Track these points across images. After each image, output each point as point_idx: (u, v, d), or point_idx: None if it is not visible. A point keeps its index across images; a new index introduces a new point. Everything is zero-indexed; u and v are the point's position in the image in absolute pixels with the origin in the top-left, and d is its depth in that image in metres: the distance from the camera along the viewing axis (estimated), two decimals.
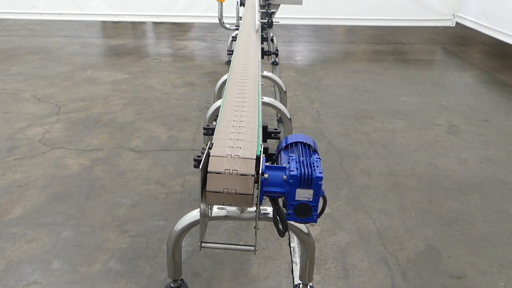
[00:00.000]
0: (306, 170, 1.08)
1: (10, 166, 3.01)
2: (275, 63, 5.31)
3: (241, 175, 1.04)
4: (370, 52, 6.36)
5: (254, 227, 1.21)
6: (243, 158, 1.07)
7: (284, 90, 3.59)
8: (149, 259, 2.18)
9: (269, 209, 1.66)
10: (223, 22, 3.76)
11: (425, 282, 2.12)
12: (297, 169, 1.08)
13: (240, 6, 4.66)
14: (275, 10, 3.09)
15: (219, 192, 1.05)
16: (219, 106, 3.08)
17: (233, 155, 1.07)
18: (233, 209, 1.86)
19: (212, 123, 3.17)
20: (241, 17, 3.59)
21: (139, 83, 4.73)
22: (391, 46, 6.74)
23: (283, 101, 3.59)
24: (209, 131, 1.62)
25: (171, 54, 6.00)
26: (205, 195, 1.06)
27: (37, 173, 2.92)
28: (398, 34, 7.42)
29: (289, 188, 1.08)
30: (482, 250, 2.37)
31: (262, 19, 2.87)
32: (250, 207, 1.08)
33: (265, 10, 2.97)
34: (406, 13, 6.40)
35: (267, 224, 2.46)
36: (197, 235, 2.34)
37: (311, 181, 1.07)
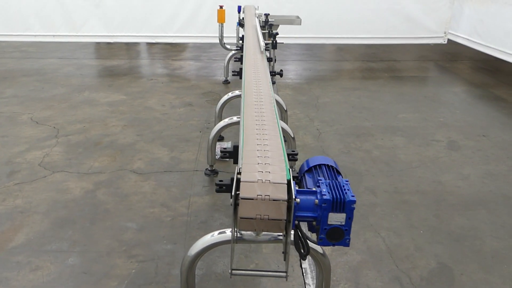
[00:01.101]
0: (338, 194, 1.07)
1: (11, 191, 2.95)
2: (272, 82, 5.34)
3: (274, 200, 1.02)
4: (364, 70, 6.44)
5: (283, 252, 1.18)
6: (274, 183, 1.05)
7: (285, 109, 3.60)
8: (160, 285, 2.13)
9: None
10: (224, 43, 3.77)
11: None
12: (329, 192, 1.07)
13: (239, 27, 4.71)
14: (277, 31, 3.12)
15: (252, 219, 1.03)
16: (223, 127, 3.07)
17: (263, 180, 1.06)
18: (248, 232, 1.84)
19: (215, 144, 3.16)
20: (241, 38, 3.62)
21: (137, 104, 4.71)
22: (384, 64, 6.83)
23: (285, 120, 3.60)
24: (226, 154, 1.60)
25: (167, 74, 6.00)
26: (237, 221, 1.04)
27: (39, 198, 2.86)
28: (390, 52, 7.54)
29: (321, 212, 1.06)
30: (494, 267, 2.36)
31: (264, 39, 2.90)
32: (281, 232, 1.06)
33: (267, 31, 3.00)
34: (398, 31, 6.51)
35: (275, 246, 2.44)
36: (206, 258, 2.30)
37: (344, 205, 1.05)
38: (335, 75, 6.23)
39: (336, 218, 1.06)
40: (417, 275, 2.29)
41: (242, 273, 1.33)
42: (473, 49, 6.07)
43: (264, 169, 1.12)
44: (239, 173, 1.09)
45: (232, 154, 1.59)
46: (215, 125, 3.77)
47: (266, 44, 2.69)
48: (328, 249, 2.43)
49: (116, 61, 6.64)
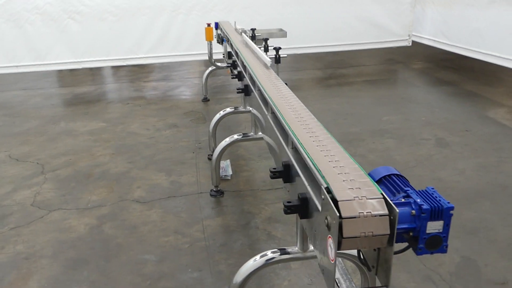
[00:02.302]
0: (434, 202, 1.05)
1: (8, 237, 2.74)
2: None
3: (377, 216, 0.99)
4: (338, 77, 6.57)
5: (369, 267, 1.14)
6: (371, 198, 1.03)
7: None
8: None
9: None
10: (214, 60, 3.71)
11: None
12: (425, 202, 1.05)
13: (218, 43, 4.68)
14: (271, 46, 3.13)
15: (356, 237, 1.00)
16: (225, 146, 3.00)
17: (360, 197, 1.03)
18: (295, 249, 1.80)
19: (219, 164, 3.09)
20: (228, 54, 3.59)
21: (119, 130, 4.55)
22: (355, 69, 7.01)
23: None
24: (276, 174, 1.56)
25: (142, 97, 5.85)
26: (341, 242, 1.00)
27: (42, 241, 2.67)
28: (357, 57, 7.74)
29: (420, 222, 1.05)
30: None
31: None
32: (384, 246, 1.04)
33: (262, 46, 2.99)
34: (365, 37, 6.71)
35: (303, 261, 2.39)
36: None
37: (443, 212, 1.04)
38: (311, 84, 6.32)
39: (434, 227, 1.05)
40: (445, 271, 2.32)
41: None
42: (438, 48, 6.35)
43: (353, 185, 1.09)
44: (329, 192, 1.05)
45: (283, 174, 1.54)
46: (210, 145, 3.72)
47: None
48: None
49: (85, 88, 6.40)
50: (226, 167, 3.49)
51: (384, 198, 1.04)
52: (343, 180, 1.12)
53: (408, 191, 1.12)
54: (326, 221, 1.06)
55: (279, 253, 1.79)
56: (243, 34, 3.56)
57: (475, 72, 6.43)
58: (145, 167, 3.66)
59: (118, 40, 5.95)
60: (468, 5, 5.58)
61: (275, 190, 3.22)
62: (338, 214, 0.99)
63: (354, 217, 1.00)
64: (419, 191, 1.13)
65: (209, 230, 2.73)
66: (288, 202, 1.32)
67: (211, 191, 3.19)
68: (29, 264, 2.46)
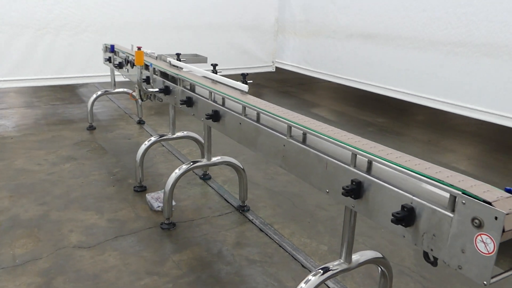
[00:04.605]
0: None
1: None
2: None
3: None
4: None
5: None
6: (507, 198, 1.23)
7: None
8: None
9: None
10: (144, 87, 3.36)
11: None
12: None
13: (120, 67, 4.35)
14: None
15: (510, 230, 1.18)
16: (178, 177, 2.86)
17: (497, 197, 1.22)
18: (342, 262, 1.89)
19: (171, 196, 2.92)
20: (141, 79, 3.39)
21: (3, 168, 3.77)
22: None
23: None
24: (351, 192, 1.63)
25: (11, 127, 4.94)
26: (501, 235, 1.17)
27: None
28: None
29: None
30: None
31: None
32: None
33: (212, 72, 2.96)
34: (235, 62, 7.09)
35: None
36: None
37: None
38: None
39: None
40: (411, 264, 2.69)
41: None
42: (301, 74, 7.14)
43: (482, 189, 1.27)
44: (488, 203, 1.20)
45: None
46: (136, 176, 3.43)
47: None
48: None
49: None
50: None
51: None
52: (472, 186, 1.30)
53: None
54: (476, 221, 1.22)
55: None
56: (168, 59, 3.45)
57: (328, 91, 7.47)
58: (65, 208, 3.15)
59: None
60: (328, 37, 6.49)
61: (226, 215, 3.18)
62: (502, 212, 1.16)
63: (509, 214, 1.18)
64: None
65: (184, 265, 2.55)
66: (397, 213, 1.42)
67: (162, 224, 2.96)
68: None
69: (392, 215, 1.43)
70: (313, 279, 1.82)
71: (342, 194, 1.63)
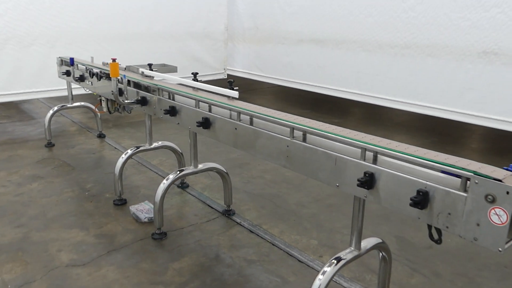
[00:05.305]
0: None
1: None
2: None
3: None
4: None
5: None
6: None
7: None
8: None
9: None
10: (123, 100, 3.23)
11: None
12: None
13: (81, 81, 4.23)
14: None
15: None
16: (166, 188, 2.89)
17: (505, 175, 1.43)
18: (352, 249, 2.03)
19: (162, 207, 2.93)
20: (117, 90, 3.33)
21: None
22: None
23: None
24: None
25: None
26: None
27: None
28: None
29: None
30: None
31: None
32: None
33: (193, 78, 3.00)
34: (189, 70, 7.04)
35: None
36: None
37: None
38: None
39: None
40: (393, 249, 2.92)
41: None
42: (253, 79, 7.30)
43: (488, 170, 1.48)
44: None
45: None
46: (115, 189, 3.37)
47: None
48: None
49: None
50: (150, 208, 3.26)
51: None
52: (479, 168, 1.50)
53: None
54: (490, 197, 1.42)
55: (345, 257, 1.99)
56: (141, 70, 3.44)
57: (291, 95, 7.70)
58: (46, 228, 3.03)
59: None
60: (279, 43, 6.72)
61: (213, 220, 3.23)
62: None
63: None
64: None
65: (186, 272, 2.57)
66: (415, 197, 1.59)
67: (153, 234, 2.95)
68: None
69: (411, 199, 1.60)
70: (329, 269, 1.94)
71: (358, 185, 1.78)
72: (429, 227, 1.73)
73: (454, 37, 4.61)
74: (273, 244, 2.90)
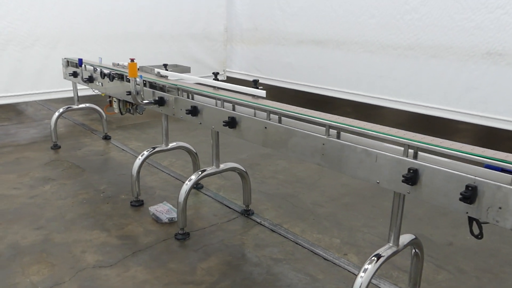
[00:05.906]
0: None
1: None
2: None
3: None
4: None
5: None
6: None
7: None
8: None
9: None
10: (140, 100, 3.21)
11: None
12: None
13: (90, 81, 4.19)
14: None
15: None
16: (190, 189, 2.90)
17: None
18: (391, 245, 2.06)
19: (185, 207, 2.93)
20: (135, 90, 3.33)
21: None
22: None
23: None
24: None
25: None
26: None
27: None
28: None
29: None
30: None
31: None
32: None
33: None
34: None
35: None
36: None
37: None
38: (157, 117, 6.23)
39: None
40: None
41: None
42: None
43: None
44: None
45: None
46: (133, 191, 3.37)
47: None
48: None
49: None
50: (170, 209, 3.25)
51: None
52: None
53: None
54: None
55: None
56: (156, 70, 3.43)
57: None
58: (68, 230, 2.99)
59: None
60: (278, 44, 6.75)
61: (233, 220, 3.24)
62: None
63: None
64: None
65: (215, 271, 2.57)
66: (465, 192, 1.63)
67: (176, 234, 2.94)
68: None
69: (461, 194, 1.64)
70: (370, 267, 1.97)
71: (402, 181, 1.81)
72: (470, 222, 1.77)
73: (458, 38, 4.70)
74: (296, 243, 2.92)
